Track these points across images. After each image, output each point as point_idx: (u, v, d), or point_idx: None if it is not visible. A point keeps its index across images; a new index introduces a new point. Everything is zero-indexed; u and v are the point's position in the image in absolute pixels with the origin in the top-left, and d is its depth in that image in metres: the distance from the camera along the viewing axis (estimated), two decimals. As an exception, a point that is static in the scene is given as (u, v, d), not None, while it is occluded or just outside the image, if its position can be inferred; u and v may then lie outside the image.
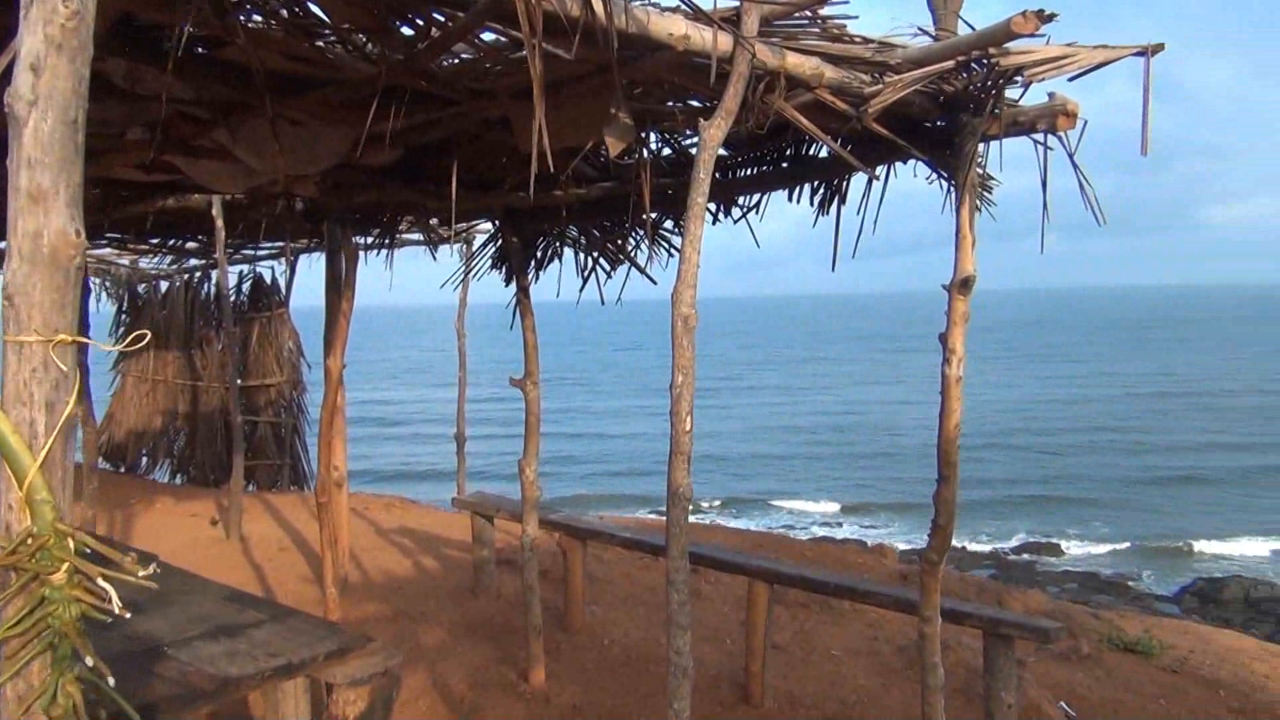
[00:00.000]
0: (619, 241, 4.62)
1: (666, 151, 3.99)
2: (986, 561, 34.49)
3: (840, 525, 36.12)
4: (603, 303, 4.63)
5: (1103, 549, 34.34)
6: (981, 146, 3.34)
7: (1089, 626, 6.68)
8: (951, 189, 3.24)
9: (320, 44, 2.83)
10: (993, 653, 4.12)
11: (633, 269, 4.67)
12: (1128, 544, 34.52)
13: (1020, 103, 3.11)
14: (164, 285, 12.26)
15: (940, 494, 3.26)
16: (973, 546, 35.62)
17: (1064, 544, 34.94)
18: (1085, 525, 37.12)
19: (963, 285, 3.17)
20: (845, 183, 3.64)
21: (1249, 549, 33.57)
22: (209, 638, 3.30)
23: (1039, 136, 3.16)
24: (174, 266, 11.93)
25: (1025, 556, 34.04)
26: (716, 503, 41.35)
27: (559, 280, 4.87)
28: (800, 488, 40.80)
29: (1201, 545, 34.06)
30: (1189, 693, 5.56)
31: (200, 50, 2.91)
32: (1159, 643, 6.44)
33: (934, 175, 3.35)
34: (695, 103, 3.37)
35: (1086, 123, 3.12)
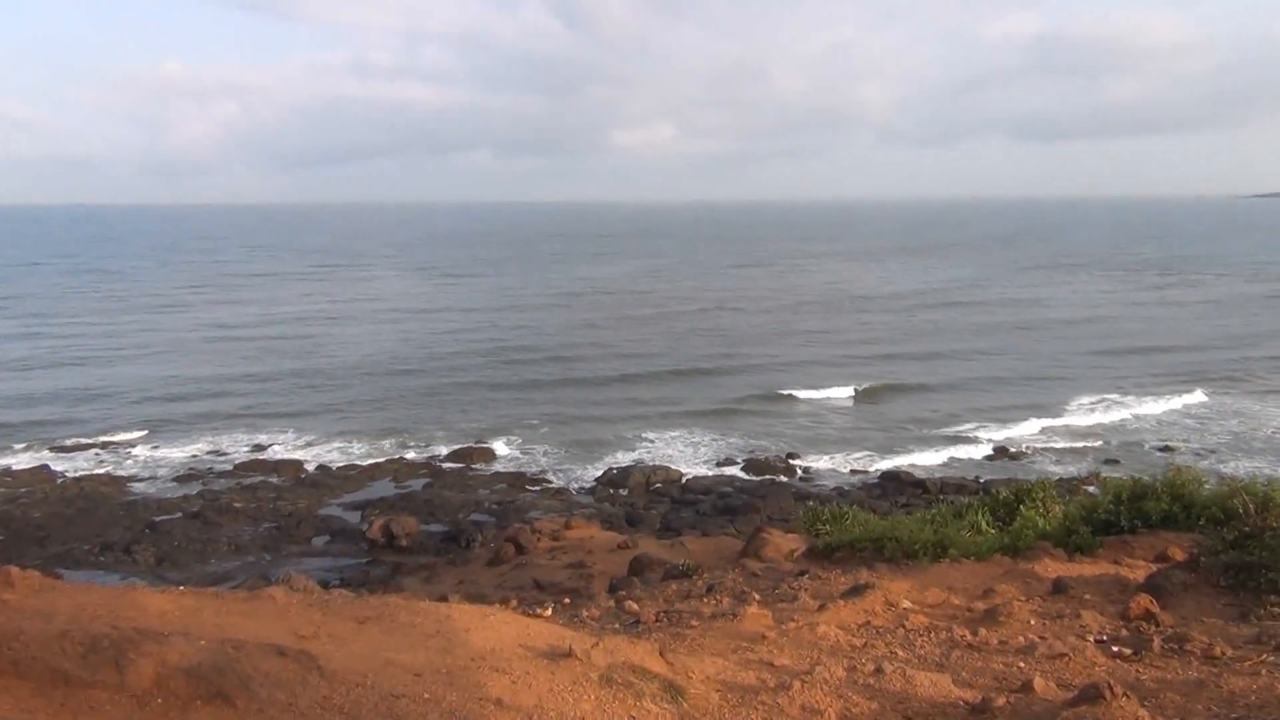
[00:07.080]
0: None
1: None
2: (422, 471, 36.05)
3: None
4: None
5: (531, 451, 38.19)
6: None
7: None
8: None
9: None
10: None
11: None
12: (552, 445, 38.90)
13: None
14: None
15: None
16: (409, 456, 36.94)
17: (496, 449, 38.09)
18: (515, 430, 40.97)
19: None
20: None
21: (654, 442, 39.90)
22: None
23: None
24: None
25: (458, 464, 36.23)
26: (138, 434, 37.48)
27: None
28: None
29: (613, 439, 39.74)
30: None
31: None
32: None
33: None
34: None
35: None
